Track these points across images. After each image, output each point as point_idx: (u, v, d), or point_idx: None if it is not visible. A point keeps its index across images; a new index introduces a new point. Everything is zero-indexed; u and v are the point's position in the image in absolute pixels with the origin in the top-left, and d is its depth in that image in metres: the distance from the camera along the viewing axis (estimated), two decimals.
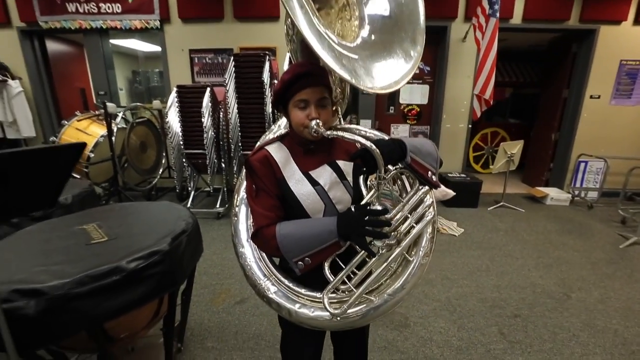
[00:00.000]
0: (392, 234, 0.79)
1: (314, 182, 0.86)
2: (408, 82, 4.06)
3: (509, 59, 5.91)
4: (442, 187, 3.37)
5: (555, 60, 4.41)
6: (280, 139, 0.92)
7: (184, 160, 3.62)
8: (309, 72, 0.80)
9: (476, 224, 3.41)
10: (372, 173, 0.78)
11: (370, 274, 0.81)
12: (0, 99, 3.85)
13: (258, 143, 0.98)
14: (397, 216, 0.81)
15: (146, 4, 3.75)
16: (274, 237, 0.80)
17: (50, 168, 0.90)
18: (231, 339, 1.78)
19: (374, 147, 0.71)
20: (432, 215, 0.82)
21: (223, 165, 3.77)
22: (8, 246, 1.23)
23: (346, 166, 0.90)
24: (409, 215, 0.81)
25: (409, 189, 0.91)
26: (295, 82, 0.81)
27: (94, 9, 3.78)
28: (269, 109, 3.28)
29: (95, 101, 4.29)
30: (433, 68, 4.21)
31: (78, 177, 3.35)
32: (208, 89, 3.41)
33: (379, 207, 0.76)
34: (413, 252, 0.85)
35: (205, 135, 3.41)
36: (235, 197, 1.06)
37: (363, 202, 0.78)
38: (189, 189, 3.78)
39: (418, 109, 4.35)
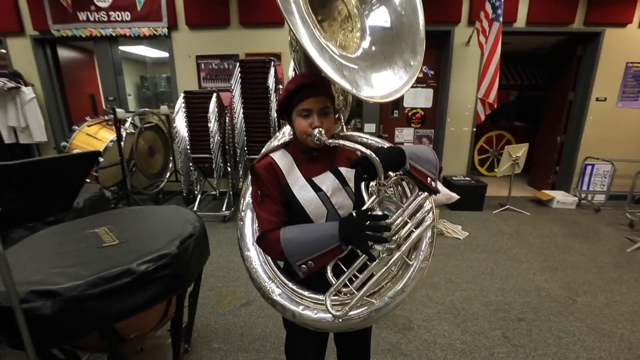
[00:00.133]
0: (393, 238, 0.82)
1: (316, 189, 0.89)
2: (412, 86, 4.08)
3: (513, 61, 5.90)
4: (447, 190, 3.38)
5: (560, 62, 4.40)
6: (285, 146, 0.95)
7: (190, 164, 3.69)
8: (312, 82, 0.84)
9: (481, 227, 3.41)
10: (372, 180, 0.80)
11: (371, 277, 0.84)
12: (14, 105, 3.97)
13: (263, 150, 1.02)
14: (397, 221, 0.83)
15: (154, 11, 3.85)
16: (279, 241, 0.83)
17: (66, 175, 0.94)
18: (237, 340, 1.81)
19: (373, 155, 0.74)
20: (431, 220, 0.85)
21: (229, 169, 3.82)
22: (24, 249, 1.28)
23: (348, 173, 0.93)
24: (409, 220, 0.84)
25: (409, 194, 0.94)
26: (298, 92, 0.84)
27: (104, 17, 3.89)
28: (274, 113, 3.33)
29: (104, 107, 4.39)
30: (437, 72, 4.22)
31: (88, 181, 3.43)
32: (214, 94, 3.47)
33: (380, 213, 0.79)
34: (413, 256, 0.87)
35: (211, 140, 3.48)
36: (241, 201, 1.09)
37: (364, 207, 0.81)
38: (196, 192, 3.84)
39: (422, 113, 4.37)
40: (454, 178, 4.10)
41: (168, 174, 4.29)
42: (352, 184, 0.93)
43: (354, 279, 0.84)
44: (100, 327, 1.06)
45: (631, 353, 1.73)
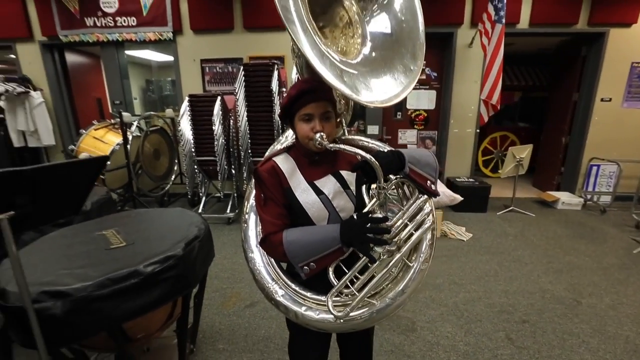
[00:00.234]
0: (393, 240, 0.83)
1: (318, 192, 0.91)
2: (415, 88, 4.08)
3: (517, 62, 5.89)
4: (450, 192, 3.38)
5: (565, 63, 4.38)
6: (287, 150, 0.98)
7: (195, 166, 3.73)
8: (313, 88, 0.86)
9: (485, 229, 3.40)
10: (372, 183, 0.82)
11: (372, 278, 0.85)
12: (23, 109, 4.05)
13: (266, 154, 1.04)
14: (398, 223, 0.85)
15: (160, 16, 3.91)
16: (281, 243, 0.85)
17: (75, 180, 0.97)
18: (241, 341, 1.83)
19: (373, 159, 0.75)
20: (431, 222, 0.86)
21: (233, 171, 3.86)
22: (34, 251, 1.32)
23: (349, 176, 0.95)
24: (409, 223, 0.85)
25: (410, 197, 0.95)
26: (300, 97, 0.86)
27: (110, 22, 3.96)
28: (277, 116, 3.36)
29: (111, 110, 4.45)
30: (440, 74, 4.23)
31: (95, 184, 3.48)
32: (219, 97, 3.51)
33: (380, 215, 0.81)
34: (413, 258, 0.89)
35: (216, 143, 3.51)
36: (245, 204, 1.12)
37: (365, 210, 0.83)
38: (200, 194, 3.88)
39: (425, 114, 4.37)
40: (458, 179, 4.09)
41: (173, 177, 4.34)
42: (353, 187, 0.94)
43: (355, 280, 0.86)
44: (108, 327, 1.08)
45: (637, 355, 1.72)
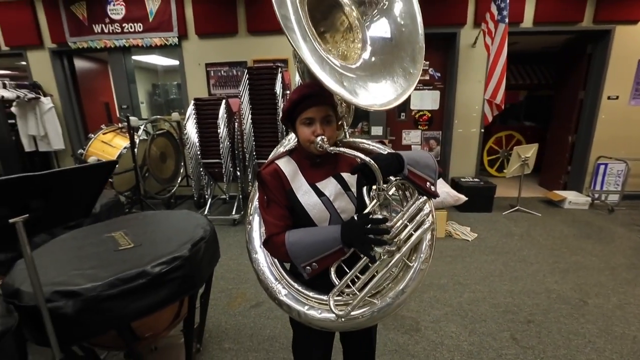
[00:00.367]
0: (393, 241, 0.85)
1: (320, 193, 0.93)
2: (419, 89, 4.09)
3: (522, 61, 5.84)
4: (454, 192, 3.37)
5: (570, 61, 4.34)
6: (289, 153, 1.00)
7: (201, 169, 3.78)
8: (314, 92, 0.88)
9: (490, 229, 3.39)
10: (372, 185, 0.84)
11: (372, 278, 0.87)
12: (34, 114, 4.15)
13: (270, 157, 1.07)
14: (397, 224, 0.86)
15: (165, 22, 3.98)
16: (284, 244, 0.87)
17: (85, 184, 1.01)
18: (247, 340, 1.86)
19: (372, 162, 0.77)
20: (431, 222, 0.88)
21: (238, 173, 3.90)
22: (47, 252, 1.36)
23: (350, 178, 0.97)
24: (408, 223, 0.87)
25: (410, 198, 0.97)
26: (301, 102, 0.89)
27: (117, 29, 4.04)
28: (279, 120, 3.39)
29: (118, 114, 4.54)
30: (443, 74, 4.22)
31: None
32: (223, 100, 3.56)
33: (380, 216, 0.82)
34: (413, 258, 0.90)
35: (221, 145, 3.56)
36: (249, 206, 1.14)
37: (365, 211, 0.84)
38: (206, 196, 3.93)
39: (429, 115, 4.37)
40: (462, 179, 4.08)
41: (179, 179, 4.40)
42: (354, 189, 0.96)
43: (356, 280, 0.88)
44: (117, 326, 1.12)
45: None
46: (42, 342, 1.02)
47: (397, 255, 0.84)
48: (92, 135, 3.72)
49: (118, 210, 2.29)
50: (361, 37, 1.08)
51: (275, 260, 1.03)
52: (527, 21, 3.76)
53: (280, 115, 3.24)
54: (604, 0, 3.63)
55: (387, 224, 0.82)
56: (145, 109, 5.78)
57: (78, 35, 4.09)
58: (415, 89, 4.22)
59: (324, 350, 1.09)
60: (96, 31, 4.07)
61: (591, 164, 4.13)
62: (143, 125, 3.91)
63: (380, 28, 1.06)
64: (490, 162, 5.57)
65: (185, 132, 3.77)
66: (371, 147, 1.04)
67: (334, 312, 0.86)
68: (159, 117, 4.36)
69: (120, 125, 3.96)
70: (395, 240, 0.85)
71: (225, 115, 3.55)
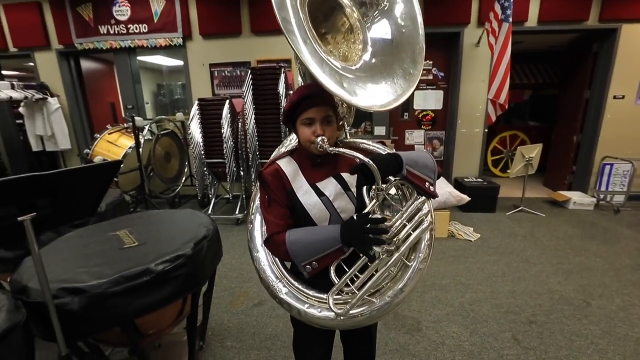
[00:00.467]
0: (392, 240, 0.86)
1: (320, 193, 0.94)
2: (422, 89, 4.06)
3: (527, 60, 5.80)
4: (457, 192, 3.36)
5: (576, 60, 4.30)
6: (290, 153, 1.01)
7: (205, 168, 3.81)
8: (314, 93, 0.89)
9: (493, 229, 3.37)
10: (371, 185, 0.85)
11: (371, 277, 0.88)
12: (41, 115, 4.21)
13: (271, 157, 1.08)
14: (396, 224, 0.87)
15: (170, 23, 4.01)
16: (284, 243, 0.89)
17: (91, 183, 1.03)
18: (249, 339, 1.88)
19: (370, 162, 0.78)
20: (429, 222, 0.88)
21: (242, 173, 3.93)
22: (53, 250, 1.39)
23: (350, 178, 0.97)
24: (407, 223, 0.88)
25: (409, 198, 0.98)
26: (301, 103, 0.90)
27: (123, 30, 4.09)
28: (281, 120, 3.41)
29: (123, 115, 4.59)
30: (447, 74, 4.21)
31: None
32: (227, 101, 3.58)
33: (379, 216, 0.83)
34: (412, 257, 0.91)
35: (224, 145, 3.59)
36: (251, 205, 1.16)
37: (364, 211, 0.85)
38: (210, 196, 3.96)
39: (432, 115, 4.36)
40: (466, 179, 4.06)
41: (184, 179, 4.44)
42: (354, 189, 0.97)
43: (355, 279, 0.89)
44: (121, 322, 1.14)
45: None
46: (48, 337, 1.04)
47: (396, 255, 0.85)
48: (98, 135, 3.77)
49: (123, 209, 2.32)
50: (362, 38, 1.09)
51: (276, 258, 1.04)
52: (532, 20, 3.73)
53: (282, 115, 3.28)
54: None
55: (385, 223, 0.83)
56: (150, 109, 5.84)
57: (84, 36, 4.15)
58: (419, 89, 4.27)
59: (324, 349, 1.10)
60: (102, 32, 4.12)
61: (596, 164, 4.09)
62: (148, 125, 3.95)
63: (381, 29, 1.07)
64: (494, 162, 5.54)
65: (189, 132, 3.80)
66: (371, 148, 1.05)
67: (333, 311, 0.87)
68: (163, 117, 4.40)
69: (125, 125, 4.01)
70: (394, 239, 0.86)
71: (229, 115, 3.58)
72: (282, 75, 3.34)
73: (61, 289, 1.04)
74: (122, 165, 3.60)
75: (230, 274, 2.58)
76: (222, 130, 3.55)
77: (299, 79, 1.30)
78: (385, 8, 1.09)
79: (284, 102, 3.36)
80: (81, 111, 4.63)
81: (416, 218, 0.88)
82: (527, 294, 2.25)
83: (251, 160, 3.70)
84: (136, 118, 3.53)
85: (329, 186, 0.95)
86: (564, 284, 2.38)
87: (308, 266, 0.88)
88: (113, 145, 3.72)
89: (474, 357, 1.71)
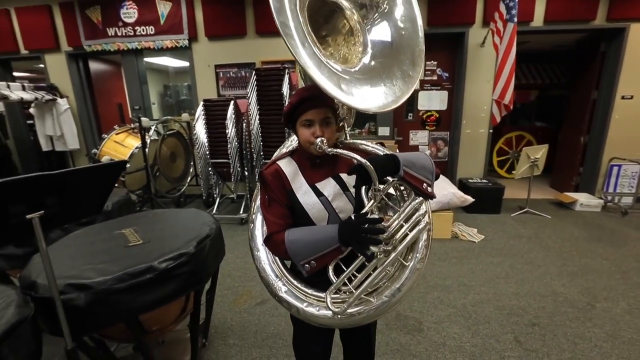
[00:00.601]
0: (390, 240, 0.87)
1: (319, 193, 0.95)
2: (426, 89, 4.05)
3: (533, 60, 5.74)
4: (461, 193, 3.35)
5: (583, 60, 4.25)
6: (291, 154, 1.03)
7: (210, 168, 3.86)
8: (313, 95, 0.91)
9: (498, 231, 3.35)
10: (369, 185, 0.86)
11: (369, 276, 0.89)
12: (51, 115, 4.30)
13: (272, 157, 1.10)
14: (394, 224, 0.88)
15: (176, 25, 4.07)
16: (283, 242, 0.90)
17: (97, 182, 1.06)
18: (251, 337, 1.90)
19: (367, 163, 0.80)
20: (426, 223, 0.89)
21: (246, 173, 3.96)
22: (61, 247, 1.43)
23: (349, 179, 0.99)
24: (404, 223, 0.89)
25: (407, 199, 0.99)
26: (301, 104, 0.92)
27: (130, 32, 4.16)
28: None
29: (130, 115, 4.66)
30: (451, 74, 4.19)
31: (116, 185, 3.65)
32: (232, 101, 3.62)
33: (376, 216, 0.85)
34: (409, 257, 0.92)
35: (229, 145, 3.63)
36: (253, 205, 1.18)
37: (362, 211, 0.87)
38: (215, 195, 4.00)
39: (437, 115, 4.34)
40: (470, 180, 4.04)
41: (189, 178, 4.49)
42: (352, 190, 0.99)
43: (353, 278, 0.90)
44: (126, 318, 1.17)
45: None
46: (55, 332, 1.07)
47: (393, 255, 0.86)
48: (106, 136, 3.84)
49: (129, 208, 2.36)
50: (362, 40, 1.10)
51: (277, 257, 1.06)
52: (538, 20, 3.70)
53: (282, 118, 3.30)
54: None
55: (383, 223, 0.85)
56: (156, 109, 5.92)
57: (93, 38, 4.23)
58: (423, 89, 4.26)
59: (323, 347, 1.11)
60: (110, 34, 4.19)
61: (604, 165, 4.04)
62: (154, 126, 4.01)
63: (381, 31, 1.08)
64: (500, 163, 5.50)
65: (194, 132, 3.85)
66: (370, 149, 1.06)
67: (330, 309, 0.88)
68: (169, 117, 4.46)
69: (132, 125, 4.08)
70: (391, 239, 0.87)
71: (234, 115, 3.61)
72: (287, 76, 3.37)
73: (68, 285, 1.07)
74: (128, 165, 3.67)
75: (234, 273, 2.61)
76: (227, 131, 3.59)
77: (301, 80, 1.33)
78: (385, 10, 1.10)
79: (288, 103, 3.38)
80: (89, 112, 4.72)
81: (413, 218, 0.89)
82: (530, 296, 2.24)
83: (255, 160, 3.73)
84: (142, 118, 3.59)
85: (328, 186, 0.97)
86: (568, 286, 2.35)
87: (307, 265, 0.89)
88: (120, 145, 3.78)
89: (476, 359, 1.70)
